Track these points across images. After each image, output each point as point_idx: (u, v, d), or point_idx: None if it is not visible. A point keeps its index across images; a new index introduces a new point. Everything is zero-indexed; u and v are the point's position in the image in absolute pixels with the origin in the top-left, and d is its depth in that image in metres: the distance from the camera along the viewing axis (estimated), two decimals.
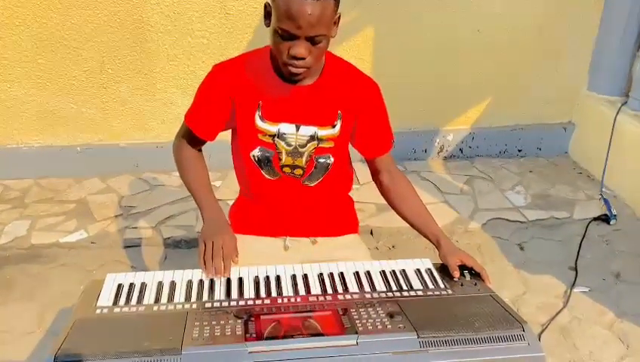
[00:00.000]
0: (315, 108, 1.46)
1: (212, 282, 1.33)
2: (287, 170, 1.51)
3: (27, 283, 2.42)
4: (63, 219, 2.78)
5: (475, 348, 1.11)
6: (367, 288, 1.31)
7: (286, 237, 1.62)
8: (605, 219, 2.87)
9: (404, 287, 1.32)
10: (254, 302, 1.23)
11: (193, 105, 1.53)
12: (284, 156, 1.49)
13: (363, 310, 1.19)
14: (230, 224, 1.54)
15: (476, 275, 1.39)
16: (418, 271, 1.39)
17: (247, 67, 1.47)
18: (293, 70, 1.33)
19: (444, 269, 1.41)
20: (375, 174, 1.64)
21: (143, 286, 1.31)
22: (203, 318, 1.16)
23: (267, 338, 1.10)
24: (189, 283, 1.32)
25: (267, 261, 1.43)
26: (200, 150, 1.62)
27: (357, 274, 1.37)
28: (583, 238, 2.74)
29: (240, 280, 1.33)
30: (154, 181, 3.13)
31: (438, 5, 3.12)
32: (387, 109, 1.56)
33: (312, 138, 1.47)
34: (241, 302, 1.24)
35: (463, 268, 1.40)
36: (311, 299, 1.25)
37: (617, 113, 3.10)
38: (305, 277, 1.35)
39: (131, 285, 1.31)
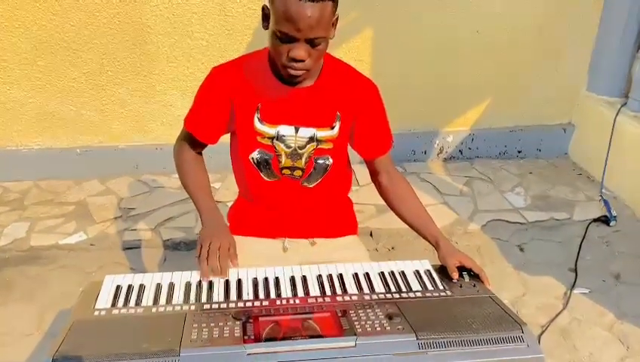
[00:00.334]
0: (313, 110, 1.46)
1: (211, 284, 1.32)
2: (286, 171, 1.51)
3: (26, 285, 2.41)
4: (63, 221, 2.78)
5: (474, 350, 1.11)
6: (366, 289, 1.31)
7: (285, 239, 1.62)
8: (605, 220, 2.86)
9: (403, 289, 1.32)
10: (253, 304, 1.23)
11: (192, 108, 1.53)
12: (283, 158, 1.48)
13: (362, 311, 1.19)
14: (229, 226, 1.54)
15: (475, 276, 1.39)
16: (417, 273, 1.39)
17: (246, 69, 1.47)
18: (293, 72, 1.32)
19: (443, 270, 1.41)
20: (374, 175, 1.64)
21: (142, 287, 1.31)
22: (201, 320, 1.16)
23: (266, 340, 1.10)
24: (188, 285, 1.32)
25: (266, 262, 1.43)
26: (200, 153, 1.62)
27: (356, 276, 1.37)
28: (582, 239, 2.74)
29: (239, 281, 1.33)
30: (153, 183, 3.13)
31: (438, 6, 3.13)
32: (386, 110, 1.56)
33: (311, 139, 1.47)
34: (240, 304, 1.24)
35: (462, 269, 1.40)
36: (310, 300, 1.25)
37: (617, 114, 3.10)
38: (304, 278, 1.35)
39: (130, 287, 1.31)
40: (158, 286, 1.31)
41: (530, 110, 3.50)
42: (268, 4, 1.30)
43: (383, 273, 1.39)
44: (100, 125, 3.16)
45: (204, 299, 1.27)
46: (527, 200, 3.06)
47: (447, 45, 3.22)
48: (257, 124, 1.46)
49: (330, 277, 1.36)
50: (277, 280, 1.34)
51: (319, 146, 1.48)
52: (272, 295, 1.28)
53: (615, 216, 2.87)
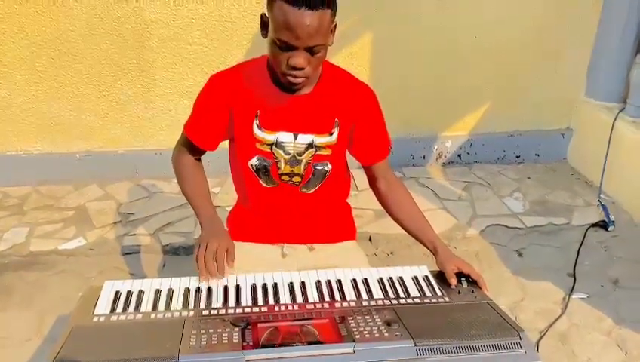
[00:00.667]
0: (312, 117, 1.47)
1: (209, 289, 1.33)
2: (285, 178, 1.52)
3: (26, 290, 2.42)
4: (62, 226, 2.79)
5: (471, 356, 1.11)
6: (364, 295, 1.32)
7: (284, 244, 1.63)
8: (603, 225, 2.87)
9: (402, 295, 1.32)
10: (252, 310, 1.24)
11: (192, 115, 1.54)
12: (282, 165, 1.49)
13: (360, 318, 1.19)
14: (228, 231, 1.54)
15: (473, 283, 1.39)
16: (415, 279, 1.40)
17: (245, 76, 1.47)
18: (292, 80, 1.33)
19: (441, 276, 1.41)
20: (372, 181, 1.64)
21: (141, 293, 1.31)
22: (200, 326, 1.16)
23: (264, 346, 1.10)
24: (187, 291, 1.32)
25: (265, 268, 1.43)
26: (199, 159, 1.63)
27: (354, 282, 1.37)
28: (581, 244, 2.74)
29: (237, 287, 1.34)
30: (153, 188, 3.13)
31: (436, 11, 3.14)
32: (385, 116, 1.57)
33: (310, 146, 1.48)
34: (239, 310, 1.24)
35: (460, 275, 1.40)
36: (308, 306, 1.26)
37: (615, 119, 3.11)
38: (302, 284, 1.35)
39: (129, 292, 1.31)
40: (157, 292, 1.31)
41: (528, 115, 3.51)
42: (267, 13, 1.31)
43: (381, 279, 1.39)
44: (99, 130, 3.17)
45: (202, 304, 1.27)
46: (526, 205, 3.07)
47: (446, 50, 3.24)
48: (256, 131, 1.47)
49: (328, 283, 1.36)
50: (275, 285, 1.34)
51: (318, 153, 1.49)
52: (271, 301, 1.29)
53: (613, 221, 2.87)
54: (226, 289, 1.33)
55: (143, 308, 1.26)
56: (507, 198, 3.13)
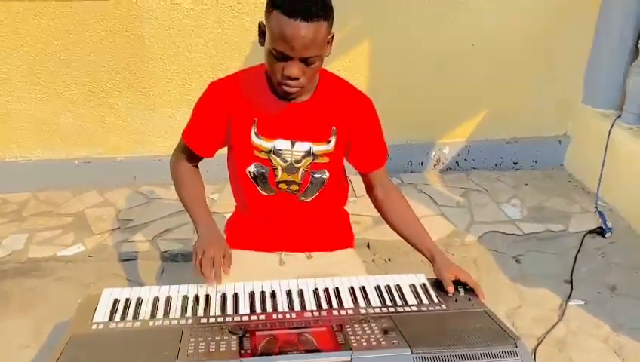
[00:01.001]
0: (309, 125, 1.48)
1: (207, 297, 1.33)
2: (282, 185, 1.53)
3: (24, 297, 2.42)
4: (61, 233, 2.79)
5: None
6: (361, 303, 1.32)
7: (281, 253, 1.63)
8: (600, 231, 2.88)
9: (399, 303, 1.33)
10: (249, 318, 1.24)
11: (190, 122, 1.55)
12: (279, 172, 1.50)
13: (358, 326, 1.20)
14: (226, 239, 1.55)
15: (470, 290, 1.40)
16: (413, 287, 1.40)
17: (243, 84, 1.49)
18: (287, 89, 1.35)
19: (438, 284, 1.42)
20: (369, 189, 1.65)
21: (139, 301, 1.31)
22: (198, 334, 1.17)
23: (262, 355, 1.11)
24: (185, 299, 1.33)
25: (263, 276, 1.44)
26: (197, 166, 1.64)
27: (352, 290, 1.38)
28: (578, 251, 2.75)
29: (235, 295, 1.34)
30: (151, 194, 3.14)
31: (434, 19, 3.16)
32: (383, 122, 1.59)
33: (307, 153, 1.49)
34: (237, 318, 1.24)
35: (457, 283, 1.41)
36: (306, 314, 1.26)
37: (612, 126, 3.12)
38: (300, 292, 1.36)
39: (127, 300, 1.32)
40: (156, 300, 1.32)
41: (525, 122, 3.52)
42: (264, 22, 1.32)
43: (378, 287, 1.39)
44: (98, 137, 3.17)
45: (201, 312, 1.28)
46: (523, 211, 3.08)
47: (444, 57, 3.25)
48: (254, 138, 1.48)
49: (326, 291, 1.37)
50: (273, 293, 1.35)
51: (315, 161, 1.50)
52: (269, 309, 1.29)
53: (610, 228, 2.88)
54: (224, 297, 1.34)
55: (141, 316, 1.26)
56: (505, 205, 3.14)
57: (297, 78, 1.32)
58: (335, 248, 1.67)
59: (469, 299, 1.36)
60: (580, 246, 2.78)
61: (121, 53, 2.99)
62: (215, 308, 1.29)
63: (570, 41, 3.32)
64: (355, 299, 1.34)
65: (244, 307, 1.30)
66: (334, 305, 1.32)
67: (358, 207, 2.72)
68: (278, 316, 1.25)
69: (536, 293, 2.49)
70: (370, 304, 1.32)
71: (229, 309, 1.29)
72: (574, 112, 3.50)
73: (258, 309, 1.29)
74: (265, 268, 1.59)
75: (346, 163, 1.62)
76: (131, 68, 3.03)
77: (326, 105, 1.48)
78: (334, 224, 1.69)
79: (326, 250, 1.65)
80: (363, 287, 1.39)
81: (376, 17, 3.10)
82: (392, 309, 1.29)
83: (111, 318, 1.25)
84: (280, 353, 1.11)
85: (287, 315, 1.26)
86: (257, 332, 1.18)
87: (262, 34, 1.35)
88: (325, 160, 1.51)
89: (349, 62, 3.16)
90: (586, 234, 2.86)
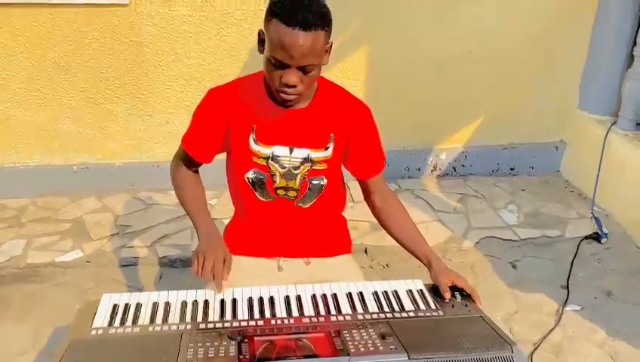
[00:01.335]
0: (308, 131, 1.49)
1: (206, 303, 1.34)
2: (281, 192, 1.54)
3: (22, 303, 2.42)
4: (59, 238, 2.79)
5: None
6: (359, 309, 1.33)
7: (280, 258, 1.64)
8: (597, 237, 2.89)
9: (396, 308, 1.34)
10: (248, 324, 1.25)
11: (190, 128, 1.57)
12: (277, 178, 1.52)
13: (355, 331, 1.21)
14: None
15: (467, 296, 1.41)
16: (410, 292, 1.42)
17: (242, 91, 1.50)
18: (285, 97, 1.37)
19: (435, 290, 1.43)
20: (367, 195, 1.67)
21: (139, 306, 1.32)
22: (197, 339, 1.18)
23: (260, 360, 1.12)
24: (184, 304, 1.34)
25: (261, 282, 1.45)
26: (197, 171, 1.65)
27: (349, 295, 1.39)
28: (574, 257, 2.76)
29: (234, 301, 1.35)
30: (150, 200, 3.15)
31: (431, 25, 3.18)
32: (380, 128, 1.60)
33: (306, 160, 1.51)
34: (235, 323, 1.25)
35: (454, 288, 1.42)
36: (304, 320, 1.27)
37: (608, 132, 3.14)
38: (298, 298, 1.37)
39: (126, 306, 1.33)
40: (155, 305, 1.33)
41: (522, 128, 3.54)
42: (263, 30, 1.34)
43: (376, 292, 1.41)
44: (97, 143, 3.18)
45: (199, 318, 1.29)
46: (520, 217, 3.09)
47: (441, 63, 3.27)
48: (252, 145, 1.50)
49: (324, 296, 1.38)
50: (272, 299, 1.36)
51: (314, 167, 1.52)
52: (267, 314, 1.30)
53: (606, 233, 2.90)
54: (222, 302, 1.35)
55: (140, 322, 1.27)
56: (502, 210, 3.16)
57: (295, 86, 1.34)
58: (333, 254, 1.68)
59: (466, 305, 1.37)
60: (576, 251, 2.80)
61: (120, 60, 3.01)
62: (214, 314, 1.30)
63: (566, 47, 3.35)
64: (352, 305, 1.35)
65: (242, 312, 1.31)
66: (332, 310, 1.33)
67: (356, 212, 2.73)
68: (276, 321, 1.26)
69: (533, 299, 2.50)
70: (367, 309, 1.33)
71: (228, 315, 1.30)
72: (571, 118, 3.52)
73: (256, 315, 1.30)
74: (263, 273, 1.60)
75: (343, 169, 1.63)
76: (130, 74, 3.05)
77: (324, 112, 1.50)
78: (332, 230, 1.70)
79: (324, 256, 1.66)
80: (361, 293, 1.40)
81: (374, 23, 3.12)
82: (389, 315, 1.30)
83: (110, 323, 1.26)
84: (278, 358, 1.12)
85: (286, 321, 1.27)
86: (256, 338, 1.19)
87: (261, 42, 1.37)
88: (323, 166, 1.53)
89: (348, 65, 3.17)
90: (582, 240, 2.88)
